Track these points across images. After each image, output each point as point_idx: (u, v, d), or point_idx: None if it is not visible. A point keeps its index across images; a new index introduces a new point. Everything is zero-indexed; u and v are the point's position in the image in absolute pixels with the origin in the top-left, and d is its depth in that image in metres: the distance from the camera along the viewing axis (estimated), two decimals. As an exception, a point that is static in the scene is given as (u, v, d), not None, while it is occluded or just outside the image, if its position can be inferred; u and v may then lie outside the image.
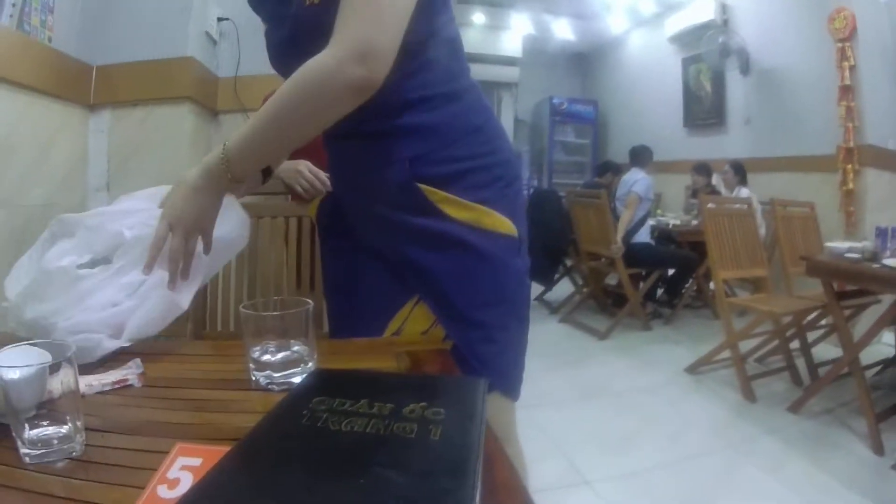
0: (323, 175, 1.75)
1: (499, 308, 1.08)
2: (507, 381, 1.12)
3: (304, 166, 1.78)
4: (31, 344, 0.68)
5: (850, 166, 4.30)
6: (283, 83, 0.92)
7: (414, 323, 1.09)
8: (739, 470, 2.41)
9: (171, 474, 0.58)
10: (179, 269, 1.00)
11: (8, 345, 0.67)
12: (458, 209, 1.02)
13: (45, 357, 0.64)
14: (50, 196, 2.20)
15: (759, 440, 2.65)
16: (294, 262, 1.80)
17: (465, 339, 1.05)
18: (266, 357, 0.83)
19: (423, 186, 1.02)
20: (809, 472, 2.34)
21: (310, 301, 0.84)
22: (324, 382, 0.76)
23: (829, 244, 2.95)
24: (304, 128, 0.97)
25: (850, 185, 4.30)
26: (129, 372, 0.86)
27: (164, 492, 0.55)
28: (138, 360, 0.89)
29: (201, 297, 1.76)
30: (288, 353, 0.84)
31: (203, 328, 1.77)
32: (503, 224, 1.06)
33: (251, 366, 0.83)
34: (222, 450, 0.60)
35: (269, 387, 0.82)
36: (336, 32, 0.89)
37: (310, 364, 0.85)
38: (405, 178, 1.02)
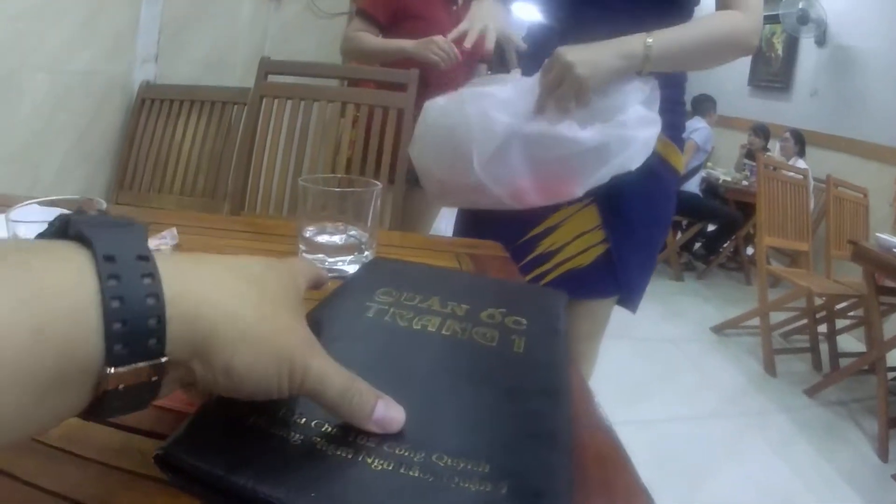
0: (455, 50, 1.72)
1: (659, 232, 1.29)
2: (636, 295, 1.30)
3: (440, 38, 1.73)
4: (53, 200, 0.60)
5: None
6: (711, 19, 1.07)
7: (577, 221, 1.18)
8: (749, 440, 2.42)
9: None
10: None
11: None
12: (659, 142, 1.07)
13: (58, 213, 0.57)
14: (95, 63, 2.13)
15: (773, 416, 2.65)
16: (361, 147, 1.76)
17: (623, 246, 1.18)
18: (321, 238, 0.74)
19: None
20: (815, 460, 2.35)
21: (378, 182, 0.76)
22: (388, 273, 0.67)
23: (879, 234, 2.82)
24: (703, 62, 1.10)
25: None
26: (164, 241, 0.81)
27: None
28: (174, 231, 0.84)
29: (242, 175, 1.72)
30: (344, 236, 0.75)
31: (241, 209, 1.71)
32: (679, 162, 1.24)
33: (301, 247, 0.75)
34: None
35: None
36: (747, 2, 1.06)
37: (366, 253, 0.76)
38: None
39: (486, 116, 1.01)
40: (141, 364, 0.26)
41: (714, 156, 6.09)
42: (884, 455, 2.41)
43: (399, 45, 1.80)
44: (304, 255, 0.75)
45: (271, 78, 1.77)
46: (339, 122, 1.78)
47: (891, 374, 2.86)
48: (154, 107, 2.28)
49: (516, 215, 1.11)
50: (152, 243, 0.78)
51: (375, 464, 0.35)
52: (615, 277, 1.20)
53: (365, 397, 0.36)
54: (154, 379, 0.27)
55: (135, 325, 0.26)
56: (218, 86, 2.29)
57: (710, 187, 4.74)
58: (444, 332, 0.53)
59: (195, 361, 0.29)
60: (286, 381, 0.32)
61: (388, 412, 0.37)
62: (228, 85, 2.31)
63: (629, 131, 1.01)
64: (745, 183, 4.63)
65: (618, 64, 1.01)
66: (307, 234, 0.74)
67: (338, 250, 0.74)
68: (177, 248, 0.81)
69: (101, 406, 0.27)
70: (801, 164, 4.41)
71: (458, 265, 0.86)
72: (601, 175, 1.01)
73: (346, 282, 0.63)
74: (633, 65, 1.02)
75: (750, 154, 4.97)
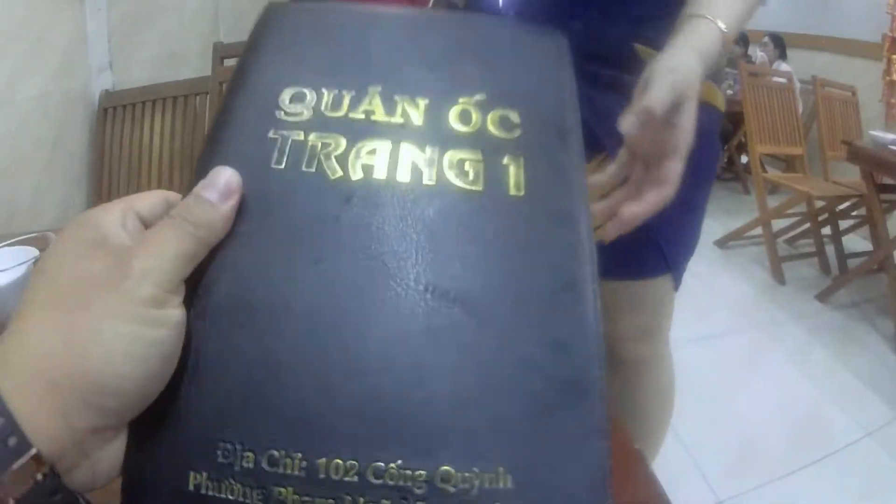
0: None
1: (701, 189, 1.02)
2: (680, 268, 1.09)
3: None
4: (11, 243, 0.57)
5: (895, 56, 4.04)
6: None
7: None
8: (764, 354, 2.41)
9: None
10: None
11: None
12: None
13: (31, 255, 0.54)
14: (49, 84, 2.07)
15: (786, 325, 2.64)
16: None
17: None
18: None
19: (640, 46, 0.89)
20: (832, 366, 2.33)
21: None
22: (294, 43, 0.40)
23: (873, 132, 2.78)
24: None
25: (894, 76, 4.05)
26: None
27: None
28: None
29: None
30: None
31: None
32: (718, 97, 1.02)
33: None
34: None
35: None
36: None
37: None
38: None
39: None
40: (15, 466, 0.24)
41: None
42: (902, 355, 2.40)
43: None
44: None
45: (227, 62, 1.72)
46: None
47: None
48: (118, 114, 2.23)
49: None
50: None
51: None
52: (659, 250, 0.99)
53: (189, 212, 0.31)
54: (41, 476, 0.25)
55: None
56: (177, 80, 2.24)
57: (696, 102, 4.66)
58: (399, 177, 0.34)
59: (72, 402, 0.26)
60: (155, 310, 0.28)
61: (206, 192, 0.32)
62: (188, 77, 2.26)
63: None
64: (729, 92, 4.55)
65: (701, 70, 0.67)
66: None
67: None
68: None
69: None
70: (784, 67, 4.33)
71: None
72: None
73: (239, 72, 0.39)
74: (716, 50, 0.68)
75: (731, 62, 4.89)
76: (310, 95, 0.37)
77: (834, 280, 2.94)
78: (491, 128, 0.36)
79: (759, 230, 3.25)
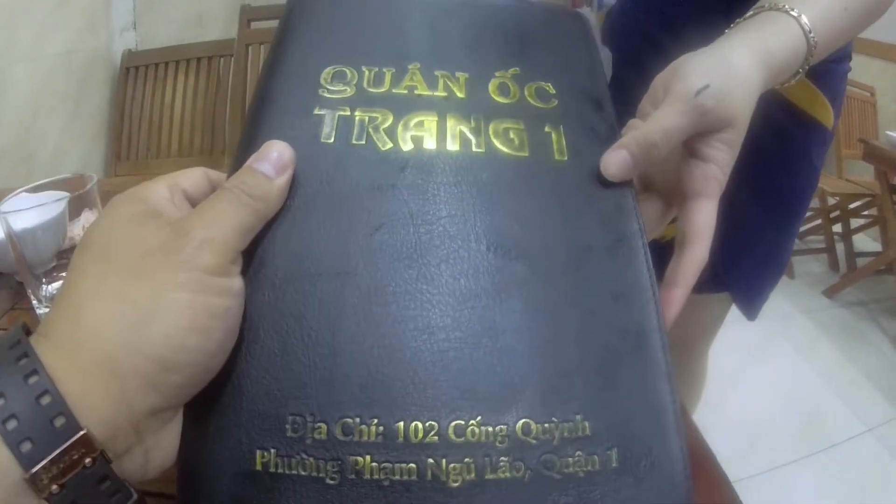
0: None
1: (786, 223, 0.89)
2: (754, 296, 0.99)
3: None
4: (43, 184, 0.56)
5: None
6: None
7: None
8: (773, 346, 2.42)
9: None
10: None
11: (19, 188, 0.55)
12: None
13: (63, 197, 0.53)
14: (73, 42, 2.07)
15: (794, 318, 2.65)
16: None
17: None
18: None
19: None
20: (840, 362, 2.35)
21: None
22: (330, 25, 0.41)
23: (888, 132, 2.77)
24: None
25: None
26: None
27: None
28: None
29: (239, 127, 1.68)
30: None
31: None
32: (825, 110, 0.81)
33: None
34: None
35: None
36: None
37: None
38: None
39: None
40: (59, 449, 0.23)
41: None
42: (907, 355, 2.41)
43: None
44: None
45: (254, 25, 1.72)
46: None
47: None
48: (140, 74, 2.23)
49: None
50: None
51: (452, 477, 0.27)
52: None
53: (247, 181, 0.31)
54: (90, 460, 0.23)
55: (29, 414, 0.23)
56: (201, 41, 2.24)
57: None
58: (449, 145, 0.35)
59: (133, 382, 0.25)
60: (209, 277, 0.28)
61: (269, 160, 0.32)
62: (212, 39, 2.26)
63: None
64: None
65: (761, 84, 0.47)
66: None
67: None
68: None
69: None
70: (803, 65, 4.31)
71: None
72: None
73: (275, 56, 0.40)
74: (794, 66, 0.47)
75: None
76: (350, 73, 0.38)
77: (842, 277, 2.94)
78: (529, 99, 0.38)
79: (771, 223, 3.23)
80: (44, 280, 0.53)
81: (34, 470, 0.22)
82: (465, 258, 0.32)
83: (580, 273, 0.33)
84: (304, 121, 0.35)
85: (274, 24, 1.61)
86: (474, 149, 0.35)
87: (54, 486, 0.23)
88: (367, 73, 0.38)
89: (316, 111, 0.36)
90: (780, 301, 2.77)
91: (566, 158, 0.36)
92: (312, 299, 0.30)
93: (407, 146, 0.35)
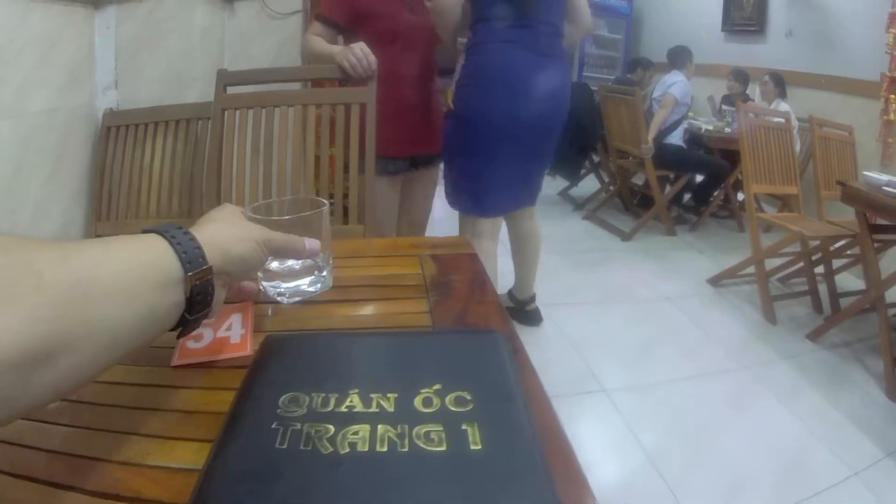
0: (373, 58, 1.76)
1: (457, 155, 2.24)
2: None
3: (359, 45, 1.76)
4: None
5: (893, 96, 4.06)
6: None
7: None
8: (754, 394, 2.41)
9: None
10: None
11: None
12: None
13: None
14: (56, 99, 2.09)
15: (776, 365, 2.64)
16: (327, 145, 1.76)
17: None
18: (276, 266, 0.74)
19: None
20: (822, 407, 2.34)
21: (325, 202, 0.75)
22: (290, 364, 0.56)
23: (867, 173, 2.77)
24: None
25: (892, 116, 4.06)
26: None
27: (192, 344, 0.65)
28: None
29: (214, 190, 1.72)
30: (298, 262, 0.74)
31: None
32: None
33: (259, 275, 0.75)
34: (230, 308, 0.70)
35: (279, 298, 0.74)
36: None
37: (324, 273, 0.76)
38: None
39: None
40: (200, 269, 0.50)
41: (694, 105, 6.07)
42: (892, 393, 2.40)
43: (329, 51, 1.84)
44: (262, 283, 0.74)
45: (232, 89, 1.75)
46: (303, 124, 1.79)
47: (892, 311, 2.85)
48: (120, 133, 2.25)
49: None
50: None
51: None
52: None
53: (298, 240, 0.67)
54: (209, 277, 0.52)
55: (191, 254, 0.50)
56: (180, 104, 2.27)
57: (694, 138, 4.69)
58: (378, 447, 0.44)
59: (220, 261, 0.53)
60: (261, 250, 0.60)
61: (313, 244, 0.69)
62: (191, 100, 2.29)
63: None
64: (727, 130, 4.59)
65: None
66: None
67: (296, 274, 0.75)
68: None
69: (191, 303, 0.50)
70: (783, 106, 4.37)
71: (420, 270, 0.84)
72: None
73: (245, 385, 0.54)
74: None
75: (729, 100, 4.94)
76: (303, 398, 0.50)
77: (826, 319, 2.95)
78: (450, 406, 0.48)
79: (752, 269, 3.27)
80: None
81: (189, 273, 0.49)
82: None
83: None
84: (263, 433, 0.46)
85: (250, 89, 1.64)
86: (399, 449, 0.44)
87: (196, 281, 0.50)
88: (316, 397, 0.50)
89: (273, 426, 0.46)
90: (762, 348, 2.78)
91: (480, 447, 0.43)
92: None
93: (344, 450, 0.44)
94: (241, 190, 1.71)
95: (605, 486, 1.86)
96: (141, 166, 2.21)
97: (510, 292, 2.86)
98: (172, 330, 0.51)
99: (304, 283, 0.75)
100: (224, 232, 0.57)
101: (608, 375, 2.44)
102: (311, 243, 0.68)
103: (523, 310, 2.81)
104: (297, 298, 0.74)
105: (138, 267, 0.45)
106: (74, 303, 0.38)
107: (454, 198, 2.26)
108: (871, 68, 4.25)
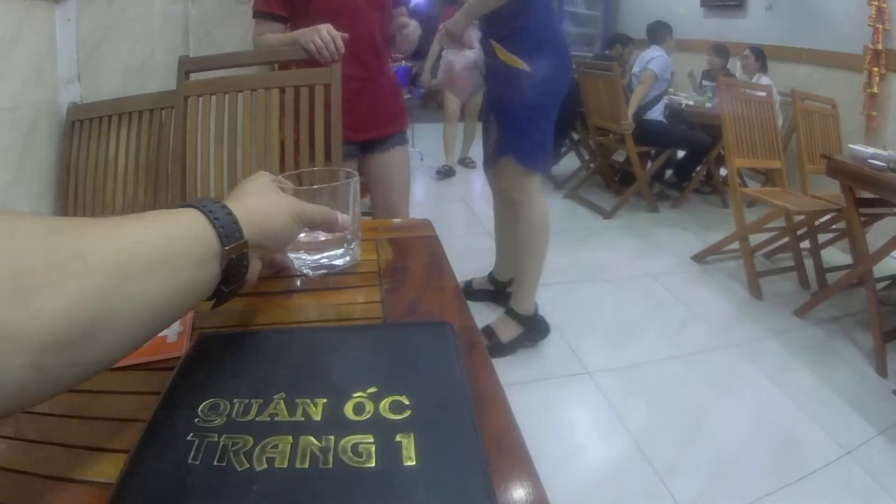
0: (340, 41, 1.72)
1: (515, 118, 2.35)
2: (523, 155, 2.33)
3: (325, 26, 1.72)
4: None
5: (876, 69, 4.04)
6: None
7: None
8: (742, 371, 2.39)
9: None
10: None
11: None
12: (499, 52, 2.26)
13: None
14: (18, 97, 2.02)
15: (764, 342, 2.62)
16: (292, 129, 1.73)
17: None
18: (304, 236, 0.72)
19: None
20: (811, 382, 2.32)
21: (355, 172, 0.73)
22: (214, 366, 0.52)
23: (852, 146, 2.75)
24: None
25: (875, 89, 4.06)
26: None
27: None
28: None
29: (179, 180, 1.69)
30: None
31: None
32: (518, 61, 2.20)
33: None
34: None
35: (305, 271, 0.74)
36: None
37: (353, 245, 0.75)
38: None
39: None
40: (236, 243, 0.50)
41: (675, 81, 6.04)
42: (882, 370, 2.38)
43: (292, 37, 1.79)
44: (290, 254, 0.74)
45: (195, 76, 1.70)
46: (265, 108, 1.72)
47: (880, 286, 2.84)
48: (85, 127, 2.18)
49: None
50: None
51: None
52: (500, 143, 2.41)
53: (332, 214, 0.65)
54: (245, 251, 0.52)
55: (228, 228, 0.50)
56: (144, 94, 2.20)
57: (675, 113, 4.65)
58: (298, 463, 0.40)
59: (255, 235, 0.53)
60: (295, 224, 0.60)
61: (345, 218, 0.68)
62: (155, 90, 2.22)
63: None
64: (708, 105, 4.56)
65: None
66: None
67: (324, 246, 0.74)
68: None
69: (227, 275, 0.50)
70: (764, 80, 4.34)
71: (376, 255, 0.79)
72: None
73: (168, 390, 0.50)
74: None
75: (709, 75, 4.91)
76: (223, 405, 0.46)
77: (813, 295, 2.93)
78: (384, 413, 0.44)
79: (737, 244, 3.25)
80: None
81: (227, 247, 0.49)
82: None
83: None
84: (177, 446, 0.42)
85: (213, 74, 1.59)
86: (321, 465, 0.39)
87: (233, 255, 0.50)
88: (237, 404, 0.45)
89: (189, 437, 0.42)
90: (749, 325, 2.75)
91: (415, 463, 0.39)
92: None
93: (260, 466, 0.39)
94: (207, 178, 1.66)
95: (591, 472, 1.83)
96: (106, 159, 2.15)
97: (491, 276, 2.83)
98: (207, 301, 0.52)
99: (333, 256, 0.74)
100: (259, 205, 0.57)
101: (592, 357, 2.41)
102: (344, 217, 0.67)
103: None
104: (322, 271, 0.74)
105: (178, 242, 0.46)
106: (118, 281, 0.39)
107: (532, 156, 2.34)
108: (853, 41, 4.23)
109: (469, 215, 4.38)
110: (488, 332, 2.41)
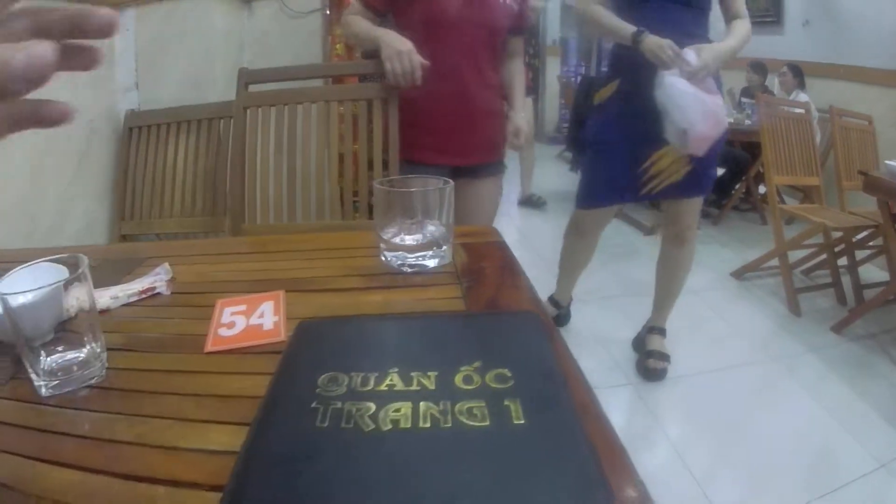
0: (420, 73, 1.60)
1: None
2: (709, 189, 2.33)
3: (410, 51, 1.59)
4: (42, 261, 0.60)
5: None
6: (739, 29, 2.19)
7: (671, 154, 2.11)
8: (780, 386, 2.39)
9: (225, 320, 0.67)
10: None
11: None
12: None
13: (60, 274, 0.57)
14: (76, 102, 2.06)
15: (802, 357, 2.61)
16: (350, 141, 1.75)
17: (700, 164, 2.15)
18: (399, 239, 0.80)
19: None
20: (848, 397, 2.31)
21: (450, 181, 0.80)
22: (325, 347, 0.57)
23: (888, 162, 2.72)
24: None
25: None
26: (157, 279, 0.81)
27: (224, 332, 0.66)
28: (167, 266, 0.84)
29: (238, 188, 1.72)
30: (421, 235, 0.80)
31: (242, 222, 1.71)
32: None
33: (381, 246, 0.82)
34: (262, 296, 0.70)
35: (402, 269, 0.81)
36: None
37: (444, 248, 0.82)
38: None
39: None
40: None
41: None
42: (919, 384, 2.36)
43: (374, 36, 1.67)
44: (384, 253, 0.82)
45: (253, 87, 1.75)
46: (326, 121, 1.76)
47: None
48: (142, 134, 2.27)
49: (634, 155, 2.13)
50: (145, 283, 0.78)
51: None
52: (699, 184, 2.25)
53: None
54: None
55: None
56: (202, 103, 2.28)
57: (715, 131, 4.61)
58: (421, 423, 0.44)
59: None
60: None
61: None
62: (212, 100, 2.30)
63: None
64: (747, 122, 4.54)
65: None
66: (386, 236, 0.81)
67: (417, 248, 0.81)
68: (171, 282, 0.81)
69: None
70: (802, 96, 4.32)
71: (452, 258, 0.84)
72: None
73: (281, 368, 0.54)
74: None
75: (748, 92, 4.89)
76: (342, 378, 0.50)
77: (850, 311, 2.91)
78: (490, 383, 0.48)
79: (776, 261, 3.24)
80: (42, 353, 0.56)
81: None
82: None
83: None
84: (303, 413, 0.46)
85: (271, 86, 1.64)
86: (442, 425, 0.44)
87: None
88: (355, 377, 0.50)
89: (313, 405, 0.47)
90: (787, 340, 2.74)
91: (523, 421, 0.44)
92: None
93: (386, 427, 0.44)
94: (266, 187, 1.72)
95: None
96: (164, 165, 2.23)
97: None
98: None
99: (425, 257, 0.81)
100: None
101: (635, 369, 2.45)
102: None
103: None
104: (416, 270, 0.80)
105: None
106: None
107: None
108: (889, 57, 4.19)
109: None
110: (658, 355, 2.45)
